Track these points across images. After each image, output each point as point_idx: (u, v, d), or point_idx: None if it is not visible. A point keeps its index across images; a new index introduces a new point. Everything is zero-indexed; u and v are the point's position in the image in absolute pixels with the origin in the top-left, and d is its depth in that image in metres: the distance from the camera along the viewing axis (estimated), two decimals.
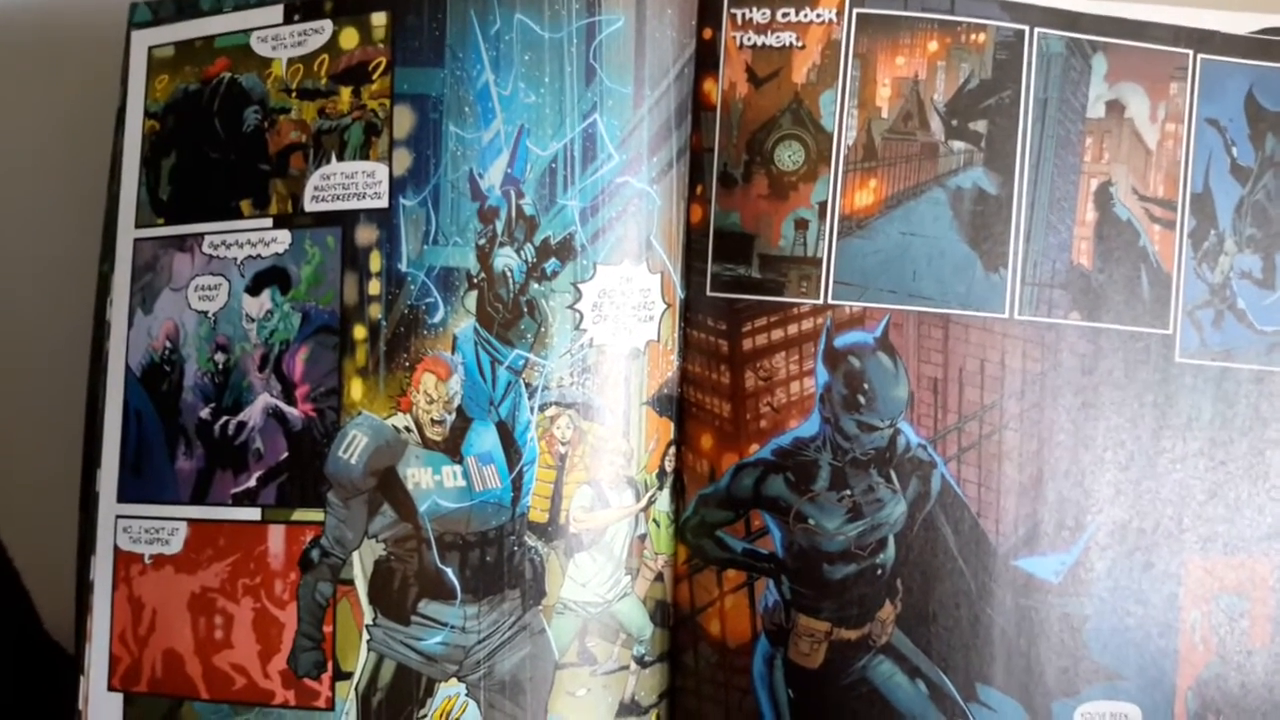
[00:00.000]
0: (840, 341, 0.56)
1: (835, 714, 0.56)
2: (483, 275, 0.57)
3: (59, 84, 0.73)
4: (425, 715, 0.56)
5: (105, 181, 0.63)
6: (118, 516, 0.60)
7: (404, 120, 0.58)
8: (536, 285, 0.57)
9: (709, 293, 0.58)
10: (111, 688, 0.60)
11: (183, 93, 0.62)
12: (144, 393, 0.61)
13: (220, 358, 0.60)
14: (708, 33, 0.58)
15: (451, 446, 0.57)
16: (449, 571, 0.56)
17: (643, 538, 0.57)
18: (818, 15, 0.57)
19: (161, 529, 0.60)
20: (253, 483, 0.58)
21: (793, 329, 0.57)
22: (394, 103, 0.58)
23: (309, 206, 0.59)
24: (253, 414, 0.59)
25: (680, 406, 0.58)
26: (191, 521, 0.59)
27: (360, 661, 0.57)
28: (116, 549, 0.60)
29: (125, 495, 0.60)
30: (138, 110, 0.62)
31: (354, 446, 0.57)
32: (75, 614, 0.63)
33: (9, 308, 0.73)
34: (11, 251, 0.74)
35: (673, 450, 0.58)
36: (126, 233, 0.62)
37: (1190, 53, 0.58)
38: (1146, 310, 0.57)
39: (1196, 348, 0.57)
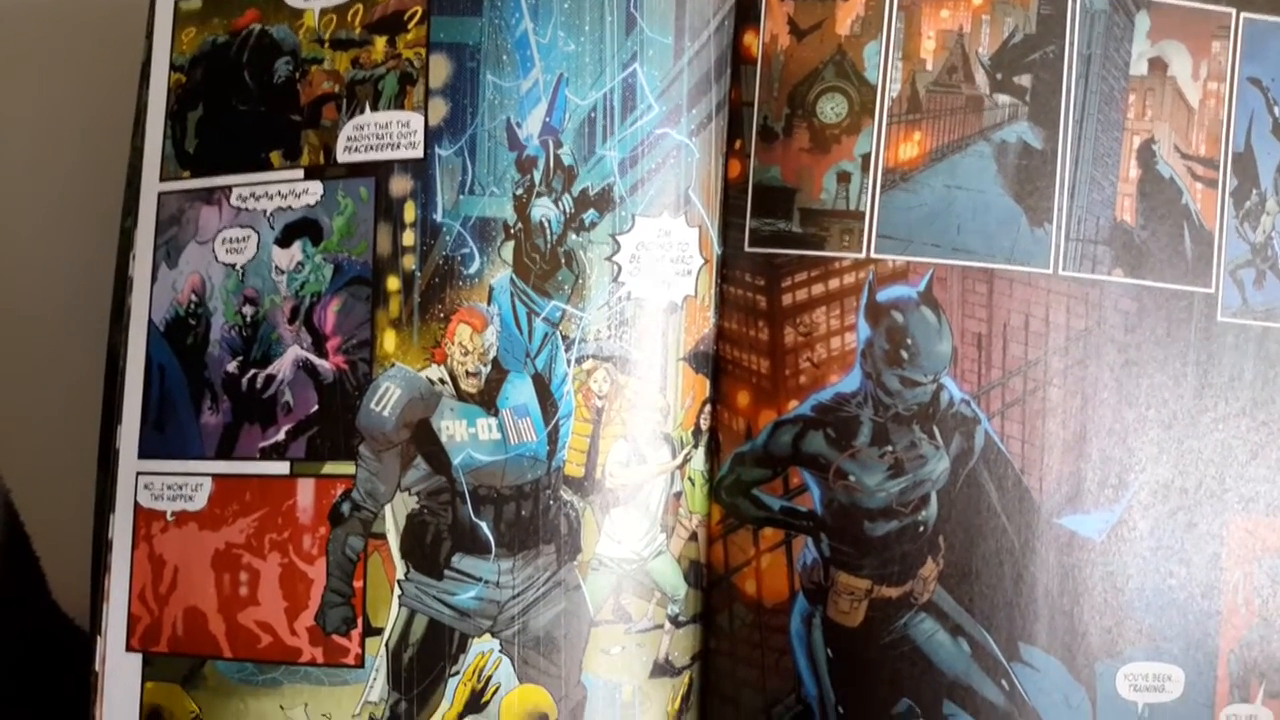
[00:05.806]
0: (883, 296, 0.56)
1: (875, 673, 0.55)
2: (520, 225, 0.56)
3: (82, 39, 0.72)
4: (458, 671, 0.55)
5: (129, 136, 0.62)
6: (139, 473, 0.59)
7: (440, 69, 0.57)
8: (574, 236, 0.56)
9: (747, 248, 0.57)
10: (130, 648, 0.58)
11: (210, 45, 0.61)
12: (168, 347, 0.59)
13: (248, 310, 0.58)
14: None
15: (487, 399, 0.56)
16: (483, 525, 0.55)
17: (678, 495, 0.56)
18: None
19: (185, 485, 0.58)
20: (281, 436, 0.57)
21: (834, 283, 0.56)
22: (430, 52, 0.57)
23: (342, 157, 0.58)
24: (282, 367, 0.58)
25: (715, 364, 0.57)
26: (217, 477, 0.58)
27: (391, 617, 0.56)
28: (137, 506, 0.59)
29: (147, 452, 0.59)
30: (163, 63, 0.61)
31: (387, 399, 0.56)
32: (91, 574, 0.62)
33: (29, 265, 0.72)
34: (32, 208, 0.72)
35: (708, 408, 0.57)
36: (151, 186, 0.61)
37: (1233, 11, 0.57)
38: (1189, 269, 0.57)
39: (1238, 307, 0.57)
